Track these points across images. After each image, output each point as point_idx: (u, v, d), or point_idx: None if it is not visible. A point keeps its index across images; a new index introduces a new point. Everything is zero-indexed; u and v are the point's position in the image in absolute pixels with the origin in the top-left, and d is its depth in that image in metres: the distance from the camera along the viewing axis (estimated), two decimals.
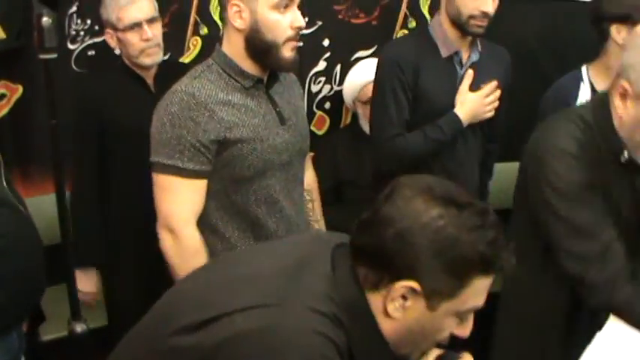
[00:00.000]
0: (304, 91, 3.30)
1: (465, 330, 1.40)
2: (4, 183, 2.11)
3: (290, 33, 2.11)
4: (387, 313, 1.34)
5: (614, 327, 1.74)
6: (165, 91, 2.15)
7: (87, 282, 2.78)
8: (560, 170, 1.92)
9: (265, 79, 2.20)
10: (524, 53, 3.43)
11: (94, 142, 2.73)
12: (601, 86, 2.62)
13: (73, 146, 2.69)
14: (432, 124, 2.67)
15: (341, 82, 3.39)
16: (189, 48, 3.16)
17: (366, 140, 3.01)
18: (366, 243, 1.35)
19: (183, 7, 3.11)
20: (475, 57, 2.75)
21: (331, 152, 3.26)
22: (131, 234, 2.78)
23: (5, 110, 2.90)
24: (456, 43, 2.71)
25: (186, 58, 3.15)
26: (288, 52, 2.12)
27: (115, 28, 2.69)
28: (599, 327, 1.86)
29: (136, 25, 2.66)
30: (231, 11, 2.09)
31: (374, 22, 3.43)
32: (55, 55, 1.83)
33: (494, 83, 2.72)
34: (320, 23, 3.31)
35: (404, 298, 1.32)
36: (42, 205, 2.59)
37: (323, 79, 3.38)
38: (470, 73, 2.70)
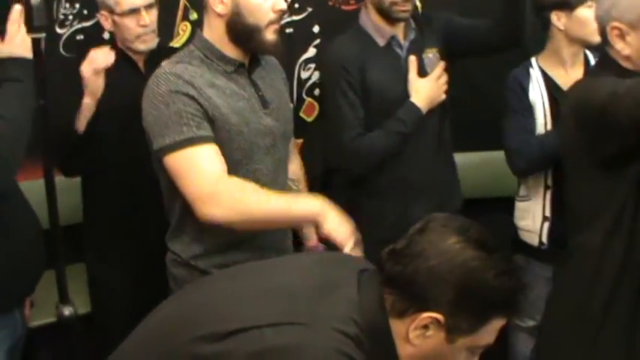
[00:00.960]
0: (294, 78, 3.30)
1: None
2: None
3: (272, 16, 2.11)
4: (407, 339, 1.42)
5: None
6: None
7: None
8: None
9: (247, 63, 2.19)
10: None
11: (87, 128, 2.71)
12: (552, 72, 2.75)
13: (62, 127, 2.67)
14: (392, 119, 2.68)
15: None
16: (178, 33, 3.16)
17: None
18: (398, 273, 1.42)
19: None
20: (412, 35, 2.77)
21: (320, 139, 3.26)
22: (120, 217, 2.77)
23: None
24: (389, 29, 2.73)
25: (175, 43, 3.14)
26: (270, 35, 2.13)
27: (112, 11, 2.67)
28: None
29: (134, 11, 2.65)
30: None
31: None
32: (43, 35, 1.83)
33: (442, 64, 2.75)
34: (310, 9, 3.31)
35: (426, 327, 1.40)
36: (31, 191, 2.58)
37: (313, 65, 3.37)
38: (412, 59, 2.71)
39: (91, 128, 2.64)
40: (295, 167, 2.50)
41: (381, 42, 2.74)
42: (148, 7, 2.67)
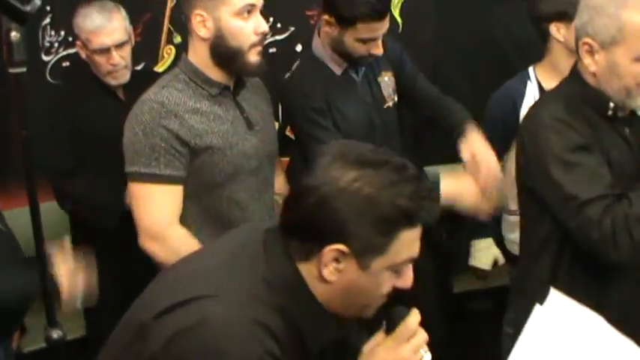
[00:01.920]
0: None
1: (405, 281, 1.42)
2: None
3: (254, 39, 2.14)
4: (323, 279, 1.38)
5: (555, 299, 1.75)
6: (135, 99, 2.18)
7: None
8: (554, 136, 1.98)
9: (232, 85, 2.23)
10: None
11: (69, 151, 2.75)
12: (549, 85, 2.67)
13: (48, 155, 2.71)
14: None
15: None
16: (163, 57, 3.19)
17: None
18: (291, 217, 1.41)
19: (157, 16, 3.14)
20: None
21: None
22: (109, 243, 2.79)
23: None
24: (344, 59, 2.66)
25: (160, 67, 3.17)
26: (253, 57, 2.16)
27: (85, 45, 2.73)
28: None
29: (105, 50, 2.70)
30: (195, 21, 2.12)
31: None
32: (24, 69, 1.86)
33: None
34: (292, 29, 3.34)
35: (337, 261, 1.36)
36: (19, 218, 2.60)
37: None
38: None
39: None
40: (280, 183, 2.52)
41: (338, 71, 2.68)
42: (119, 45, 2.71)
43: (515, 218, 2.75)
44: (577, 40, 2.02)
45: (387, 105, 2.77)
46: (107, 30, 2.69)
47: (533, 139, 2.04)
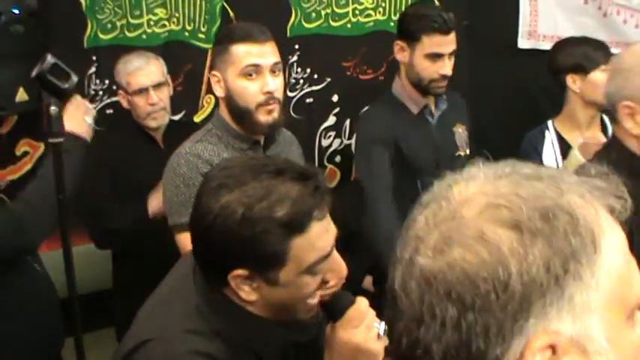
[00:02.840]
0: (315, 146, 3.39)
1: (336, 273, 1.41)
2: None
3: (261, 98, 2.16)
4: (245, 301, 1.36)
5: None
6: (174, 147, 2.25)
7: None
8: None
9: (262, 140, 2.27)
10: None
11: (110, 197, 2.82)
12: (568, 134, 2.76)
13: (90, 200, 2.78)
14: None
15: (350, 136, 3.47)
16: (203, 105, 3.27)
17: None
18: (193, 251, 1.41)
19: (197, 66, 3.22)
20: (443, 106, 2.86)
21: (341, 204, 3.32)
22: (147, 284, 2.82)
23: (28, 167, 3.01)
24: (422, 99, 2.81)
25: (200, 116, 3.25)
26: (262, 117, 2.17)
27: (125, 91, 2.83)
28: None
29: (143, 90, 2.80)
30: (213, 81, 2.21)
31: (381, 78, 3.53)
32: (61, 139, 2.03)
33: None
34: (329, 79, 3.42)
35: (246, 280, 1.33)
36: (52, 260, 2.67)
37: (333, 133, 3.46)
38: None
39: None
40: None
41: (415, 110, 2.82)
42: (157, 86, 2.82)
43: None
44: (614, 105, 1.96)
45: (458, 153, 2.87)
46: (145, 71, 2.80)
47: None
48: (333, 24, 3.40)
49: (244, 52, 2.15)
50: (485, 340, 0.75)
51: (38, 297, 2.33)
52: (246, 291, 1.35)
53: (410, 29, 2.71)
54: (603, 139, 2.56)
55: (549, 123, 2.88)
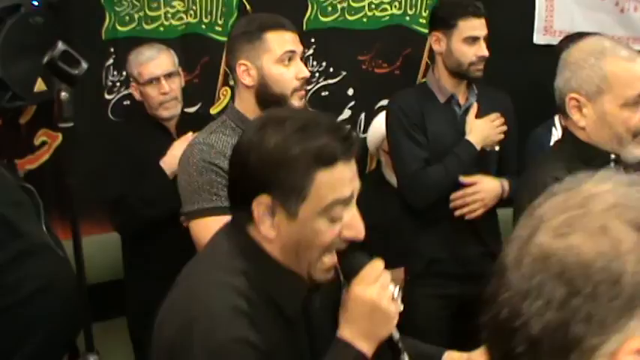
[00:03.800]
0: None
1: (351, 231, 1.42)
2: (44, 228, 2.23)
3: (296, 84, 2.21)
4: (266, 239, 1.42)
5: None
6: None
7: None
8: None
9: None
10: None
11: (125, 182, 2.85)
12: None
13: (106, 186, 2.83)
14: (449, 154, 2.80)
15: (365, 130, 3.48)
16: (219, 98, 3.30)
17: (390, 185, 3.12)
18: (229, 195, 1.51)
19: (214, 59, 3.25)
20: (473, 99, 2.89)
21: (361, 194, 3.33)
22: (159, 272, 2.84)
23: (46, 157, 3.05)
24: (450, 88, 2.87)
25: (217, 107, 3.28)
26: (297, 102, 2.22)
27: (137, 82, 2.86)
28: None
29: (155, 80, 2.83)
30: (240, 70, 2.21)
31: (396, 72, 3.54)
32: (71, 124, 2.08)
33: (497, 114, 2.85)
34: (344, 73, 3.43)
35: (270, 216, 1.39)
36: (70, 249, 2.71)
37: (348, 127, 3.48)
38: (475, 105, 2.85)
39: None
40: None
41: (442, 99, 2.87)
42: (168, 75, 2.84)
43: None
44: (562, 98, 1.99)
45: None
46: (156, 61, 2.83)
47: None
48: (349, 18, 3.41)
49: (281, 40, 2.19)
50: (586, 327, 0.77)
51: (59, 281, 2.36)
52: (267, 225, 1.40)
53: (445, 18, 2.83)
54: None
55: (556, 119, 2.87)
